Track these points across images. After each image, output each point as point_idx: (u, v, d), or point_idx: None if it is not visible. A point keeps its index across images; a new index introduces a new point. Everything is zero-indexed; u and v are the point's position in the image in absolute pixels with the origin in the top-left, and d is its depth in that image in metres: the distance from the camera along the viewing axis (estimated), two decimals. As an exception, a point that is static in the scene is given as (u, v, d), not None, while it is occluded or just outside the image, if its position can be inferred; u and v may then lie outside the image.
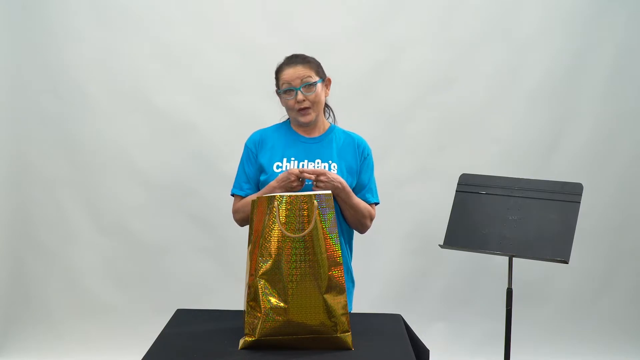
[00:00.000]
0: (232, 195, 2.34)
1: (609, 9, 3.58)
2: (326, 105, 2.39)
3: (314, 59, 2.28)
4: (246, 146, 2.33)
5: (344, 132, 2.35)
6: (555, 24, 3.59)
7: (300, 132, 2.30)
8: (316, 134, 2.30)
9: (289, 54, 2.31)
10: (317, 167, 2.23)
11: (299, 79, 2.20)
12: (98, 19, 3.47)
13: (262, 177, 2.26)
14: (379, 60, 3.58)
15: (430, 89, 3.61)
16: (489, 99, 3.64)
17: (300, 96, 2.20)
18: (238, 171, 2.34)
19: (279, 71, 2.27)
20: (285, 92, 2.22)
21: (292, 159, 2.25)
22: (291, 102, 2.22)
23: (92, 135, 3.53)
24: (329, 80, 2.31)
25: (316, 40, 3.48)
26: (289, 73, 2.22)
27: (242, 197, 2.30)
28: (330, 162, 2.26)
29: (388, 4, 3.56)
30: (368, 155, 2.34)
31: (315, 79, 2.22)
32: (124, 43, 3.49)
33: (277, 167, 2.24)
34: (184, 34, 3.50)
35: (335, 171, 2.24)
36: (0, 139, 3.50)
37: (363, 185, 2.32)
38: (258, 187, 2.29)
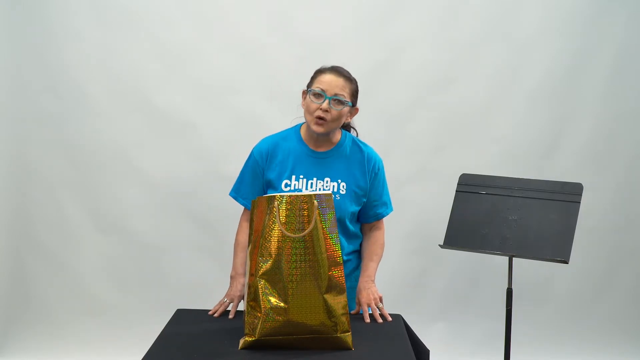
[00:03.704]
0: (235, 199, 2.34)
1: (609, 9, 3.59)
2: (352, 128, 2.40)
3: (356, 82, 2.27)
4: (253, 156, 2.30)
5: (354, 142, 2.32)
6: (555, 24, 3.59)
7: (310, 144, 2.28)
8: (326, 148, 2.28)
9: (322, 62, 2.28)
10: (326, 185, 2.23)
11: (334, 90, 2.18)
12: (98, 19, 3.46)
13: (271, 192, 2.25)
14: (379, 60, 3.58)
15: (430, 89, 3.61)
16: (489, 99, 3.64)
17: (325, 105, 2.16)
18: (240, 174, 2.33)
19: (320, 72, 2.23)
20: (315, 94, 2.19)
21: (301, 176, 2.24)
22: (314, 105, 2.18)
23: (92, 135, 3.53)
24: (357, 110, 2.30)
25: (316, 40, 3.48)
26: (329, 79, 2.19)
27: (245, 209, 2.33)
28: (339, 181, 2.25)
29: (388, 4, 3.56)
30: (379, 170, 2.32)
31: (347, 100, 2.21)
32: (124, 43, 3.49)
33: (286, 185, 2.24)
34: (184, 34, 3.50)
35: (345, 191, 2.24)
36: (0, 139, 3.50)
37: (375, 200, 2.32)
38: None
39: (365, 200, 2.30)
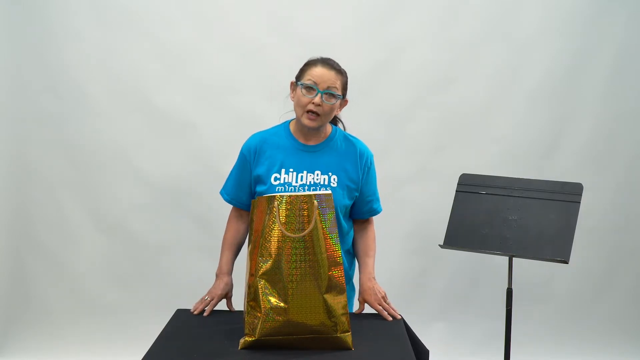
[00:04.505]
0: (221, 195, 2.34)
1: (609, 9, 3.59)
2: (339, 120, 2.37)
3: (346, 74, 2.23)
4: (242, 153, 2.28)
5: (345, 137, 2.29)
6: (555, 24, 3.60)
7: (300, 138, 2.25)
8: (316, 142, 2.25)
9: (323, 56, 2.23)
10: (317, 178, 2.21)
11: (326, 83, 2.13)
12: (98, 19, 3.46)
13: (260, 189, 2.22)
14: (379, 60, 3.58)
15: (430, 89, 3.61)
16: (489, 99, 3.64)
17: (318, 99, 2.13)
18: (230, 174, 2.32)
19: (310, 65, 2.18)
20: (307, 88, 2.14)
21: (291, 170, 2.21)
22: (306, 99, 2.14)
23: (92, 135, 3.53)
24: (346, 102, 2.26)
25: (316, 40, 3.48)
26: (321, 72, 2.14)
27: (233, 207, 2.32)
28: (330, 174, 2.22)
29: (388, 4, 3.56)
30: (371, 164, 2.30)
31: (339, 93, 2.18)
32: (124, 43, 3.49)
33: (275, 179, 2.20)
34: (184, 34, 3.50)
35: (336, 184, 2.21)
36: (0, 139, 3.50)
37: (369, 196, 2.30)
38: (250, 195, 2.27)
39: (357, 194, 2.28)
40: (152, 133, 3.55)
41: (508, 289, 2.77)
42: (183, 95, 3.53)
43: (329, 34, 3.52)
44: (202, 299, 2.23)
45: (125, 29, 3.48)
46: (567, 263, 2.60)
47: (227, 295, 2.28)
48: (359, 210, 2.32)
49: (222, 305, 2.29)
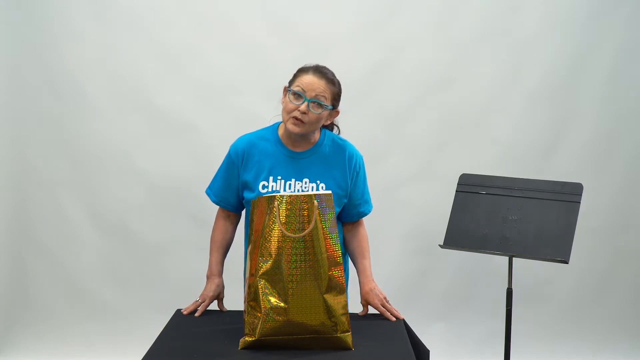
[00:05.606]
0: (208, 195, 2.34)
1: (609, 9, 3.59)
2: (335, 126, 2.36)
3: (339, 85, 2.19)
4: (229, 155, 2.26)
5: (333, 140, 2.26)
6: (555, 24, 3.60)
7: (288, 144, 2.22)
8: (304, 148, 2.22)
9: (318, 63, 2.19)
10: (305, 186, 2.19)
11: (314, 92, 2.10)
12: (98, 18, 3.47)
13: (249, 195, 2.20)
14: (379, 60, 3.58)
15: (430, 89, 3.61)
16: (489, 99, 3.64)
17: (304, 107, 2.10)
18: (217, 174, 2.31)
19: (302, 71, 2.15)
20: (295, 94, 2.12)
21: (279, 177, 2.19)
22: (292, 106, 2.11)
23: (92, 135, 3.53)
24: (337, 113, 2.23)
25: (316, 40, 3.49)
26: (310, 80, 2.11)
27: (219, 207, 2.33)
28: (318, 182, 2.20)
29: (388, 4, 3.56)
30: (360, 168, 2.27)
31: (327, 104, 2.14)
32: (124, 43, 3.49)
33: (263, 186, 2.19)
34: (184, 34, 3.50)
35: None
36: (0, 139, 3.50)
37: (358, 199, 2.29)
38: (238, 197, 2.27)
39: (346, 200, 2.26)
40: (152, 133, 3.55)
41: (508, 289, 2.77)
42: (183, 95, 3.53)
43: (329, 34, 3.52)
44: (194, 301, 2.23)
45: (125, 29, 3.48)
46: (567, 263, 2.60)
47: (219, 297, 2.28)
48: (348, 213, 2.30)
49: (214, 306, 2.29)
